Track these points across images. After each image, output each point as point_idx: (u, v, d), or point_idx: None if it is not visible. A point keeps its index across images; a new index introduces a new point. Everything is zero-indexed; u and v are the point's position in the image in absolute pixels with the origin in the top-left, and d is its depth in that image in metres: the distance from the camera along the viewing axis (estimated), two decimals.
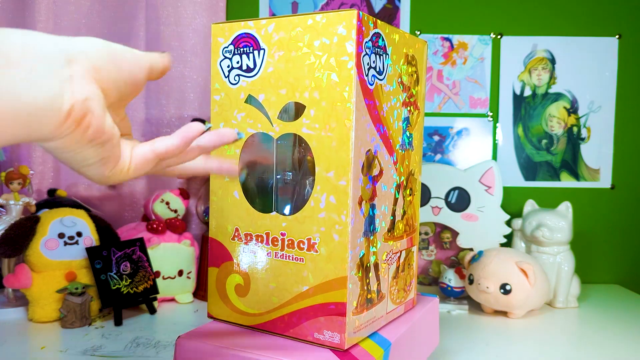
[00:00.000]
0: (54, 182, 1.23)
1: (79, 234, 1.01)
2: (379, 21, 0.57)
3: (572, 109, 1.30)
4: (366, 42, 0.55)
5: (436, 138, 1.31)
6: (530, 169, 1.31)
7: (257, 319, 0.62)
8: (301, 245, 0.58)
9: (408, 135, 0.65)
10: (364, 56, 0.55)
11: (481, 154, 1.31)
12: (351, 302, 0.56)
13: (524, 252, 1.13)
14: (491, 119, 1.30)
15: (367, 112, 0.56)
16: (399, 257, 0.66)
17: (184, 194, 1.19)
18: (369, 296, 0.59)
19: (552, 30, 1.28)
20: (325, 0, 1.30)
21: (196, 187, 1.29)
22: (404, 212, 0.66)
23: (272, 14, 1.30)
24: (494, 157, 1.31)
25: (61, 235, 0.99)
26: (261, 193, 0.63)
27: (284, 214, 0.59)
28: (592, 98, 1.29)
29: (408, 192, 0.67)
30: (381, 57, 0.58)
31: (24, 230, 0.97)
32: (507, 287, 0.99)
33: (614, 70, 1.28)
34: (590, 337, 0.94)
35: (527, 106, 1.30)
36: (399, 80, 0.62)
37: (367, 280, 0.59)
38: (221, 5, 1.28)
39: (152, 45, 1.26)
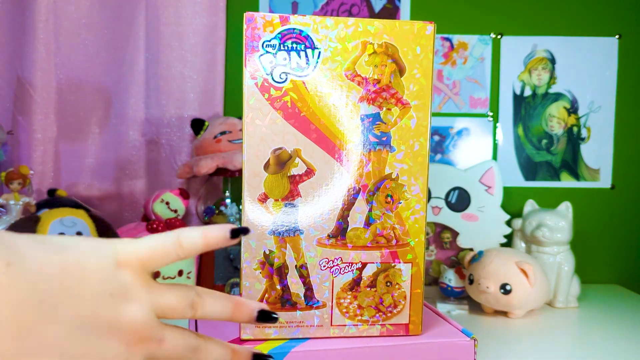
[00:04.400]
0: (54, 182, 1.23)
1: (79, 234, 1.01)
2: (294, 16, 0.56)
3: (572, 109, 1.30)
4: (266, 41, 0.56)
5: (436, 138, 1.31)
6: (530, 169, 1.31)
7: None
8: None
9: (378, 134, 0.59)
10: (261, 56, 0.56)
11: (481, 154, 1.31)
12: (250, 297, 0.58)
13: (524, 252, 1.13)
14: (491, 119, 1.30)
15: (274, 110, 0.57)
16: (361, 269, 0.60)
17: (184, 194, 1.19)
18: (285, 297, 0.59)
19: (552, 30, 1.28)
20: (325, 0, 1.30)
21: (196, 187, 1.29)
22: (372, 220, 0.60)
23: None
24: (494, 157, 1.31)
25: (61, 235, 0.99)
26: None
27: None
28: (592, 98, 1.29)
29: (384, 198, 0.59)
30: (302, 52, 0.57)
31: (24, 230, 0.97)
32: (507, 287, 0.99)
33: (614, 70, 1.28)
34: (590, 337, 0.94)
35: (527, 106, 1.30)
36: (351, 73, 0.58)
37: (282, 281, 0.58)
38: (221, 6, 1.28)
39: (152, 45, 1.26)
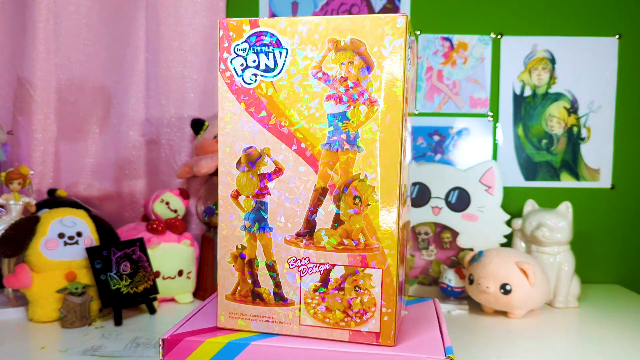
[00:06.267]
0: (54, 182, 1.23)
1: (79, 234, 1.01)
2: (263, 19, 0.58)
3: (572, 109, 1.30)
4: (237, 45, 0.58)
5: (436, 138, 1.31)
6: (530, 169, 1.31)
7: None
8: None
9: (345, 133, 0.57)
10: (233, 59, 0.59)
11: (481, 154, 1.31)
12: (224, 287, 0.61)
13: (524, 252, 1.13)
14: (491, 119, 1.30)
15: (245, 110, 0.59)
16: (328, 270, 0.58)
17: (184, 194, 1.19)
18: (256, 291, 0.61)
19: (552, 30, 1.28)
20: (325, 0, 1.30)
21: (196, 187, 1.29)
22: (340, 222, 0.58)
23: (272, 15, 1.30)
24: (494, 157, 1.31)
25: (61, 235, 0.99)
26: None
27: None
28: (592, 98, 1.29)
29: (352, 199, 0.57)
30: (271, 53, 0.58)
31: (24, 230, 0.97)
32: (507, 287, 0.99)
33: (614, 70, 1.28)
34: (590, 337, 0.94)
35: (527, 106, 1.30)
36: (318, 71, 0.57)
37: (253, 276, 0.60)
38: (221, 5, 1.28)
39: (152, 45, 1.26)
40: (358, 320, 0.58)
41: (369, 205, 0.57)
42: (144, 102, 1.27)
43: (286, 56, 0.57)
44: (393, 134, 0.56)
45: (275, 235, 0.59)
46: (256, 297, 0.61)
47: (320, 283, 0.59)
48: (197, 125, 1.22)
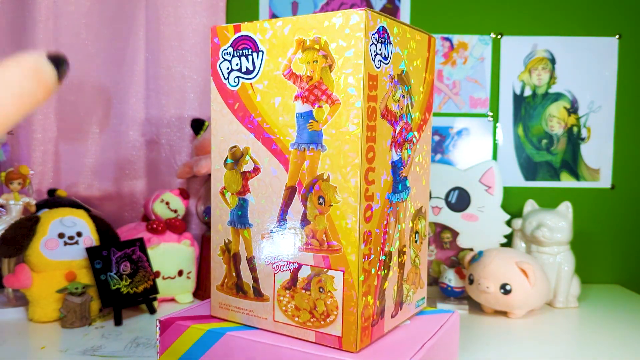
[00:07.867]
0: (54, 182, 1.23)
1: (79, 234, 1.01)
2: (244, 24, 0.60)
3: (572, 109, 1.30)
4: (224, 49, 0.62)
5: (436, 138, 1.31)
6: (530, 169, 1.31)
7: None
8: None
9: (311, 132, 0.56)
10: (221, 63, 0.62)
11: (481, 154, 1.31)
12: (215, 278, 0.65)
13: (524, 252, 1.13)
14: (491, 119, 1.30)
15: (230, 111, 0.62)
16: (296, 269, 0.58)
17: (184, 194, 1.19)
18: (239, 283, 0.63)
19: (552, 30, 1.28)
20: (325, 0, 1.30)
21: (196, 187, 1.29)
22: (307, 221, 0.57)
23: (272, 15, 1.30)
24: (494, 157, 1.31)
25: (61, 235, 0.99)
26: None
27: None
28: (592, 98, 1.29)
29: (316, 199, 0.56)
30: (249, 57, 0.60)
31: (24, 230, 0.97)
32: (507, 287, 0.99)
33: (614, 70, 1.28)
34: (590, 337, 0.94)
35: (527, 106, 1.30)
36: (288, 72, 0.57)
37: (237, 269, 0.63)
38: (221, 5, 1.28)
39: (152, 45, 1.26)
40: (322, 322, 0.58)
41: (332, 205, 0.56)
42: (144, 102, 1.27)
43: (262, 58, 0.59)
44: (354, 133, 0.54)
45: (254, 232, 0.61)
46: (239, 290, 0.63)
47: (290, 281, 0.60)
48: (197, 125, 1.22)
